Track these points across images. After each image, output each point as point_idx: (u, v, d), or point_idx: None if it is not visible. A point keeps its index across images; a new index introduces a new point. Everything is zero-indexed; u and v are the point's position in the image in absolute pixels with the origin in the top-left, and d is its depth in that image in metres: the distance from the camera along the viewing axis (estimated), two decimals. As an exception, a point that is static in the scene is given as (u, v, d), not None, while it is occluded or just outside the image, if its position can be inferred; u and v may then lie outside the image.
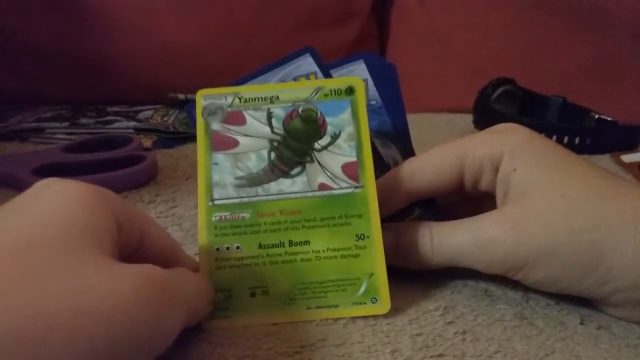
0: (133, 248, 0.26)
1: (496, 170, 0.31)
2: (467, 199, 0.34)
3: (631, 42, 0.73)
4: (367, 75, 0.37)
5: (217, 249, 0.30)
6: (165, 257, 0.27)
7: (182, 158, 0.54)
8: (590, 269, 0.28)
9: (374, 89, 0.37)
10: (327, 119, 0.33)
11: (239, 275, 0.30)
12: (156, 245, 0.27)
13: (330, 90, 0.33)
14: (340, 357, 0.27)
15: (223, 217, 0.31)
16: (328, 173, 0.32)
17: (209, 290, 0.28)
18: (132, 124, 0.64)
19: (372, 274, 0.30)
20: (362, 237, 0.30)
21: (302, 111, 0.33)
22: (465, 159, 0.31)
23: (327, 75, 0.37)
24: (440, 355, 0.27)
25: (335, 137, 0.32)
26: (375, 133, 0.36)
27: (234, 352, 0.27)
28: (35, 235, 0.21)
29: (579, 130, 0.58)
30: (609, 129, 0.59)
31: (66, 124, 0.64)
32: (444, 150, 0.32)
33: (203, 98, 0.33)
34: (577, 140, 0.56)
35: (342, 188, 0.31)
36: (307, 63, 0.37)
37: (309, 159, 0.32)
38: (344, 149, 0.32)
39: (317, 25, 0.81)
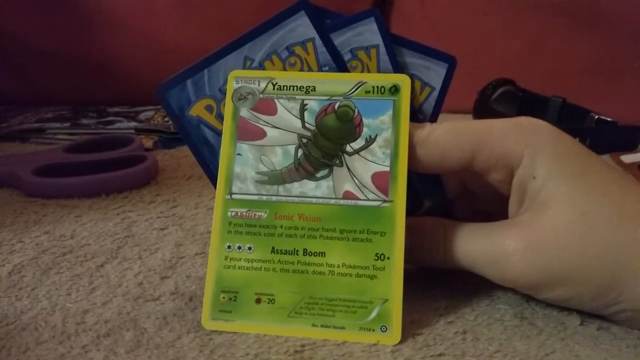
0: None
1: (509, 169, 0.29)
2: (470, 193, 0.34)
3: (631, 42, 0.73)
4: (378, 39, 0.32)
5: (229, 247, 0.29)
6: None
7: (183, 158, 0.54)
8: (602, 293, 0.27)
9: (386, 58, 0.32)
10: (365, 120, 0.30)
11: (247, 278, 0.29)
12: None
13: (373, 87, 0.30)
14: (341, 356, 0.27)
15: (239, 214, 0.30)
16: (356, 181, 0.29)
17: None
18: (133, 124, 0.64)
19: (386, 300, 0.28)
20: (382, 257, 0.28)
21: (339, 107, 0.30)
22: (480, 153, 0.29)
23: (325, 40, 0.32)
24: (440, 354, 0.27)
25: (370, 141, 0.30)
26: None
27: (234, 351, 0.27)
28: None
29: (578, 130, 0.58)
30: (608, 129, 0.59)
31: (67, 124, 0.64)
32: (460, 134, 0.29)
33: (235, 80, 0.31)
34: (576, 140, 0.56)
35: (368, 200, 0.29)
36: (302, 25, 0.31)
37: (338, 161, 0.30)
38: (377, 155, 0.29)
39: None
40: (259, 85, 0.31)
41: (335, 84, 0.31)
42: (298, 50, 0.32)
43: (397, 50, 0.32)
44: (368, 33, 0.32)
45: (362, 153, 0.30)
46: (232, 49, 0.32)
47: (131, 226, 0.40)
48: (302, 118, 0.30)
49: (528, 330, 0.29)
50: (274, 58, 0.32)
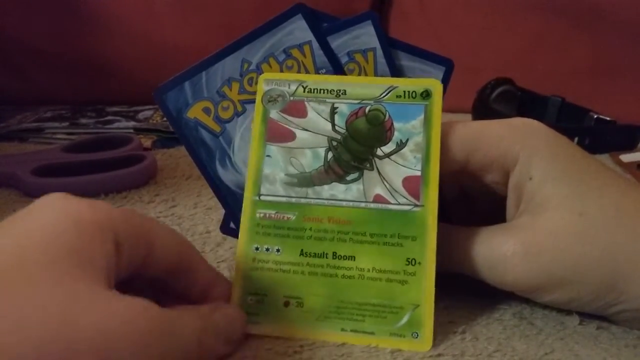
0: (139, 263, 0.24)
1: (505, 170, 0.29)
2: (467, 195, 0.34)
3: (631, 42, 0.73)
4: (375, 42, 0.32)
5: (257, 249, 0.29)
6: (176, 267, 0.26)
7: (182, 158, 0.54)
8: (602, 294, 0.27)
9: (383, 60, 0.32)
10: (396, 124, 0.30)
11: (275, 280, 0.28)
12: (166, 257, 0.25)
13: (404, 92, 0.30)
14: (340, 357, 0.27)
15: (267, 215, 0.29)
16: (387, 184, 0.29)
17: (237, 319, 0.27)
18: (132, 124, 0.64)
19: (417, 306, 0.27)
20: (413, 262, 0.28)
21: (369, 111, 0.30)
22: (475, 154, 0.29)
23: (323, 44, 0.32)
24: (439, 354, 0.27)
25: (401, 145, 0.29)
26: None
27: (234, 351, 0.27)
28: (22, 257, 0.20)
29: (578, 130, 0.58)
30: (607, 128, 0.59)
31: (66, 124, 0.64)
32: (455, 135, 0.30)
33: (265, 83, 0.31)
34: (576, 140, 0.56)
35: (399, 204, 0.29)
36: (299, 28, 0.32)
37: (368, 165, 0.29)
38: (408, 160, 0.29)
39: (317, 26, 0.81)
40: (289, 87, 0.31)
41: (366, 88, 0.31)
42: (295, 53, 0.32)
43: (394, 53, 0.32)
44: (365, 36, 0.32)
45: (393, 157, 0.30)
46: (229, 51, 0.32)
47: (130, 226, 0.40)
48: (332, 121, 0.30)
49: (527, 329, 0.29)
50: (271, 61, 0.32)
